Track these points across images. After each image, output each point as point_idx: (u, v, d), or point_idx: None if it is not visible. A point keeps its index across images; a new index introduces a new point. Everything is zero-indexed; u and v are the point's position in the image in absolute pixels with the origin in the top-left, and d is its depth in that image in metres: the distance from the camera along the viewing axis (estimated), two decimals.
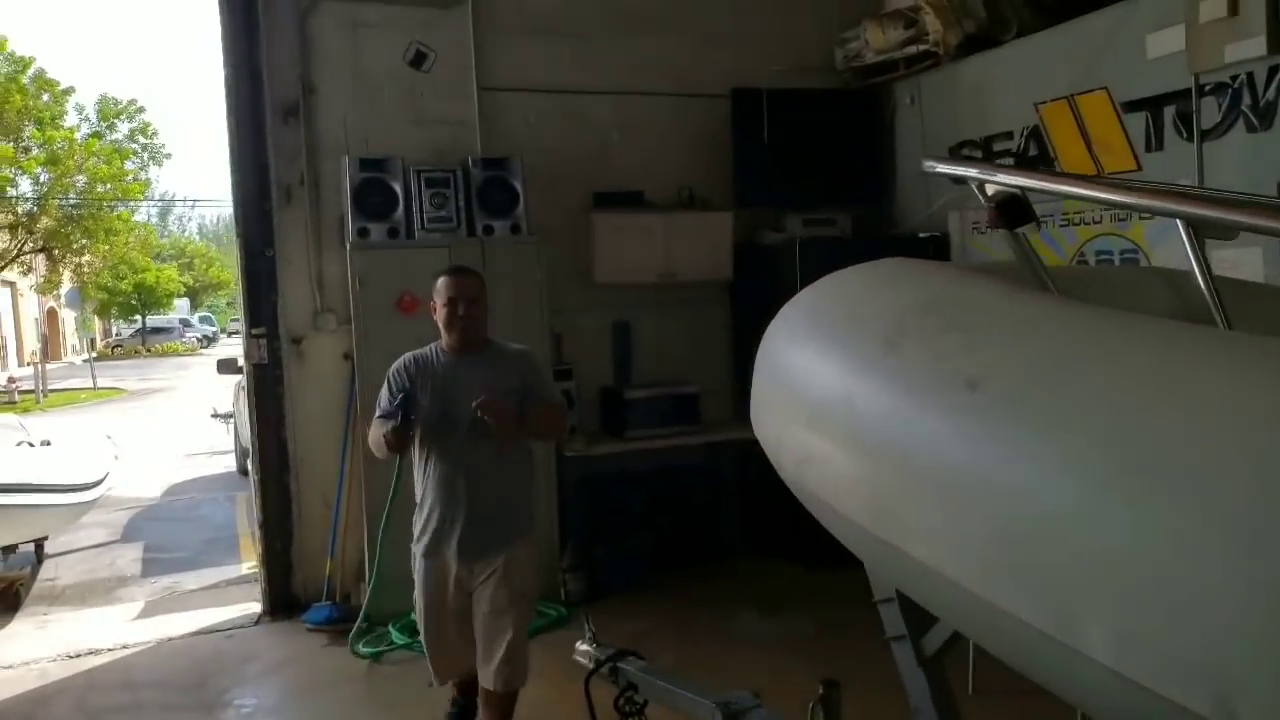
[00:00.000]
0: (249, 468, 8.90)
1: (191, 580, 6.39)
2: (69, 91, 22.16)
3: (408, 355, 3.32)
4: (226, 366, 10.16)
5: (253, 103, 5.07)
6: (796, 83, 5.76)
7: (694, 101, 5.77)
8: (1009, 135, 5.10)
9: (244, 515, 8.50)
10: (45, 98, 21.77)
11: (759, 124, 5.57)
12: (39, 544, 6.64)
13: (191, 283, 41.14)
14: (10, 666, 4.71)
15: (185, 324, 40.72)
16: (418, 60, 5.16)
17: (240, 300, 5.18)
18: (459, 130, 5.39)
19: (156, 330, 37.71)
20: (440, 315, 3.25)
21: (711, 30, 5.81)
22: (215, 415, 12.46)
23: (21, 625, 5.53)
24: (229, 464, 11.22)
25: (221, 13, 5.07)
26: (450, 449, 3.20)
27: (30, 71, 21.46)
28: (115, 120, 23.10)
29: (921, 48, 5.30)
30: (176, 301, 39.75)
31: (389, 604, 4.86)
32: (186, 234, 55.18)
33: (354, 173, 4.87)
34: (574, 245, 5.46)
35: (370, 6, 5.22)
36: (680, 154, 5.77)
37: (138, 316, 36.99)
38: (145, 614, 5.61)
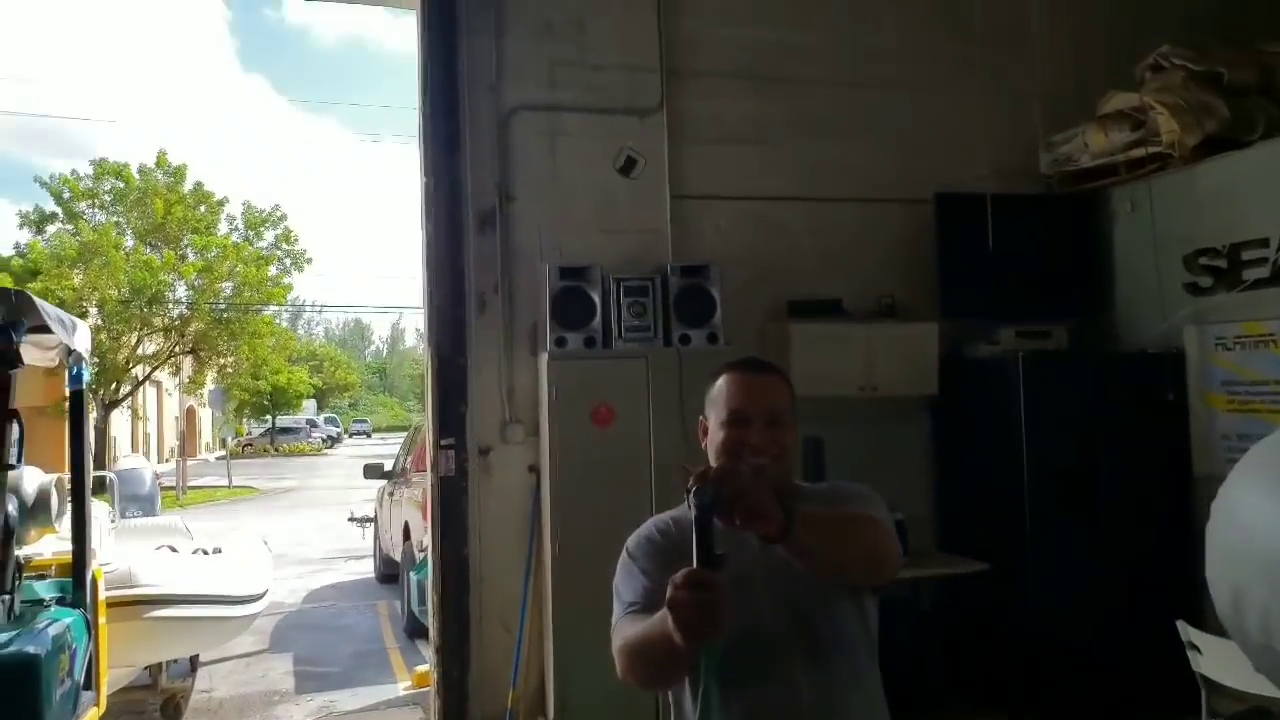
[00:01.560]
0: (398, 575, 8.87)
1: (348, 699, 6.15)
2: (223, 203, 23.59)
3: (660, 518, 1.90)
4: (373, 472, 10.16)
5: (450, 211, 5.03)
6: (997, 188, 5.42)
7: (888, 206, 5.51)
8: (1263, 242, 4.62)
9: (389, 627, 8.31)
10: (202, 209, 23.21)
11: (966, 230, 5.24)
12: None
13: (320, 384, 42.71)
14: None
15: (312, 424, 42.13)
16: (628, 166, 5.07)
17: (429, 410, 5.05)
18: (650, 238, 5.23)
19: (284, 430, 39.09)
20: (715, 442, 1.81)
21: (903, 134, 5.57)
22: (352, 519, 12.48)
23: None
24: (366, 569, 11.13)
25: (423, 121, 5.10)
26: (754, 685, 1.70)
27: (189, 183, 22.99)
28: (261, 228, 24.38)
29: (1151, 150, 4.92)
30: (305, 403, 41.24)
31: None
32: (313, 337, 57.70)
33: (553, 281, 4.73)
34: (764, 355, 5.15)
35: (568, 115, 5.18)
36: (876, 261, 5.48)
37: (268, 416, 38.44)
38: None
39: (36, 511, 3.95)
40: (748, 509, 1.49)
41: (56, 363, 3.98)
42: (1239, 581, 1.58)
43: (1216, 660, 3.46)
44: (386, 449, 26.39)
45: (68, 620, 3.57)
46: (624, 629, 1.72)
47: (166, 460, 25.69)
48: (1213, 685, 3.52)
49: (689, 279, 4.84)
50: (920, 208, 5.40)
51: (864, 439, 5.31)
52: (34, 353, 3.57)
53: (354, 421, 53.17)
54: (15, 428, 3.11)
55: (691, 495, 1.45)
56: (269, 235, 24.20)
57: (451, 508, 4.94)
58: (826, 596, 1.74)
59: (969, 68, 5.52)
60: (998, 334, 5.24)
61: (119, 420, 24.07)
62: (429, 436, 5.07)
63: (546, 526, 4.69)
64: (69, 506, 4.20)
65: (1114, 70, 5.36)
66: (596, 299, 4.76)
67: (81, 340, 3.83)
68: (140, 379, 23.32)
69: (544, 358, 4.75)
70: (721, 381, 1.84)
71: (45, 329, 3.39)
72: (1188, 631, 3.55)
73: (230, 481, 22.78)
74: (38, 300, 3.36)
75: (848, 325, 5.19)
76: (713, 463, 1.78)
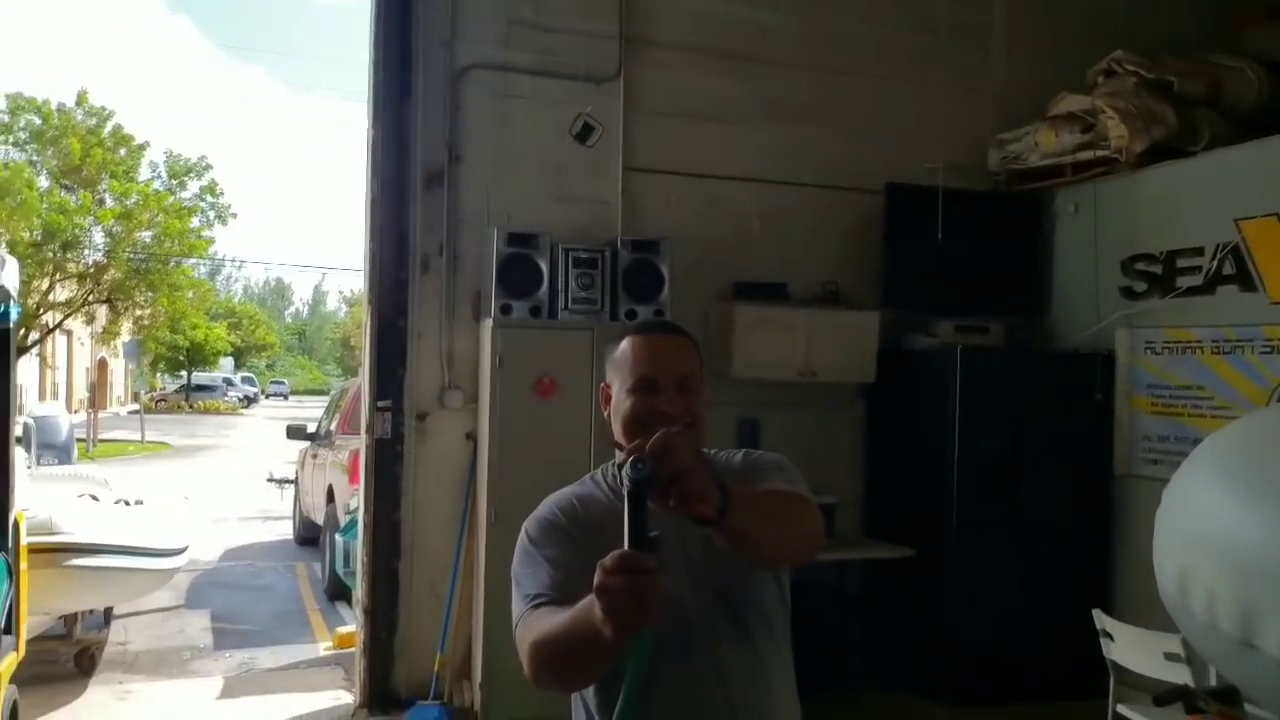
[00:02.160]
0: (319, 537, 8.68)
1: (267, 657, 6.02)
2: (144, 147, 22.59)
3: (563, 496, 1.74)
4: (296, 433, 9.93)
5: (398, 167, 4.90)
6: (946, 182, 5.49)
7: (839, 194, 5.53)
8: (1198, 251, 4.77)
9: (308, 588, 8.16)
10: (122, 152, 22.22)
11: (913, 222, 5.30)
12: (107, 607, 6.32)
13: (238, 343, 41.50)
14: None
15: (228, 383, 40.94)
16: (584, 133, 4.98)
17: (366, 371, 4.93)
18: (601, 210, 5.17)
19: (200, 388, 37.92)
20: (621, 411, 1.65)
21: (860, 124, 5.60)
22: (271, 480, 12.18)
23: (100, 694, 5.17)
24: (284, 530, 10.89)
25: (373, 72, 4.94)
26: (677, 667, 1.57)
27: (109, 125, 22.01)
28: (185, 178, 23.48)
29: (1099, 153, 5.03)
30: (222, 360, 40.05)
31: (502, 707, 4.46)
32: (232, 294, 56.04)
33: (501, 246, 4.63)
34: (708, 335, 5.16)
35: (523, 78, 5.07)
36: (823, 248, 5.51)
37: (183, 372, 37.23)
38: (228, 693, 5.24)
39: None
40: (684, 490, 1.34)
41: None
42: (1186, 564, 1.62)
43: (1126, 647, 3.60)
44: (304, 412, 25.83)
45: None
46: (534, 624, 1.50)
47: (76, 411, 24.68)
48: (1121, 671, 3.66)
49: (639, 254, 4.79)
50: (869, 197, 5.43)
51: (799, 424, 5.37)
52: None
53: (271, 382, 51.84)
54: None
55: (625, 471, 1.29)
56: (193, 186, 23.37)
57: (385, 471, 4.85)
58: (746, 572, 1.63)
59: (927, 61, 5.58)
60: (936, 327, 5.33)
61: (27, 368, 23.03)
62: (365, 397, 4.95)
63: (482, 494, 4.63)
64: None
65: (1066, 73, 5.47)
66: (544, 268, 4.68)
67: (10, 277, 3.64)
68: (51, 326, 22.33)
69: (488, 324, 4.67)
70: (626, 345, 1.68)
71: None
72: (1102, 620, 3.68)
73: (143, 436, 22.03)
74: None
75: (791, 310, 5.21)
76: (618, 433, 1.66)
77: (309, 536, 9.86)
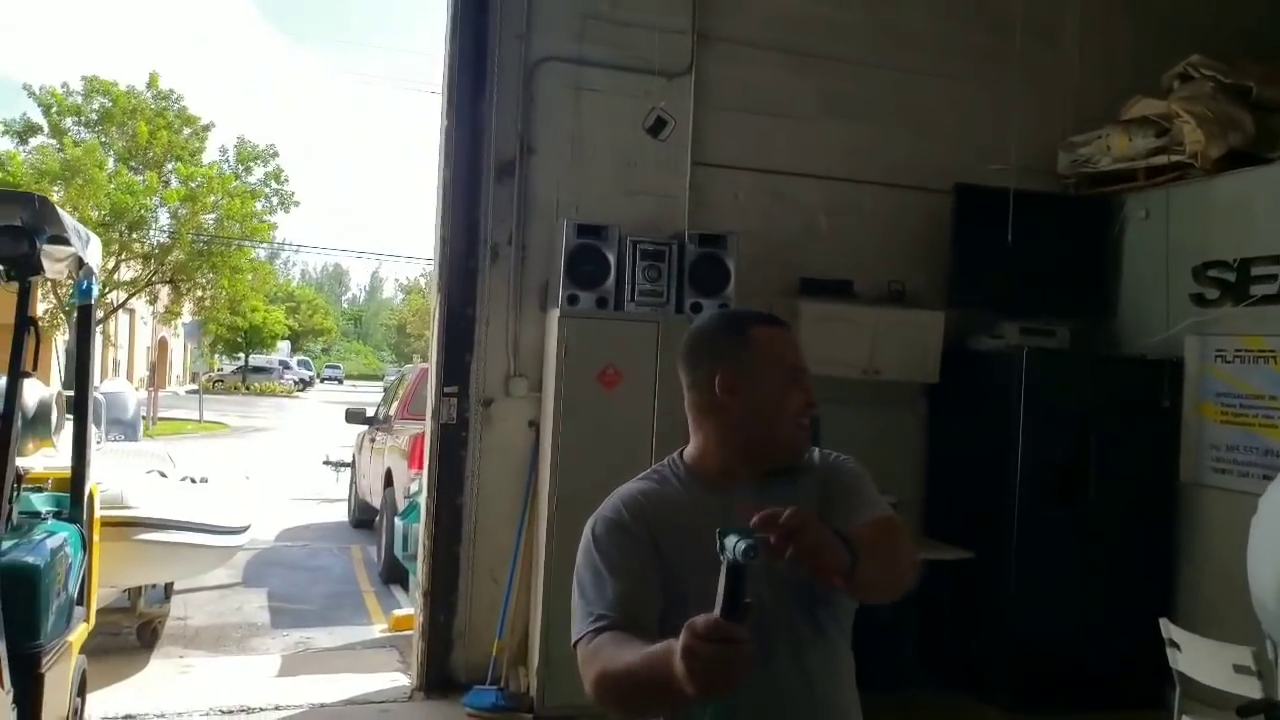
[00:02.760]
0: (374, 520, 8.84)
1: (324, 637, 6.16)
2: (209, 128, 23.09)
3: (630, 493, 1.68)
4: (355, 417, 10.11)
5: (470, 157, 4.98)
6: (1015, 184, 5.44)
7: (906, 193, 5.51)
8: (1275, 259, 4.68)
9: (363, 571, 8.32)
10: (187, 133, 22.74)
11: (981, 223, 5.26)
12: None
13: (295, 326, 42.28)
14: (163, 717, 4.48)
15: (284, 365, 41.74)
16: (657, 127, 5.02)
17: (434, 357, 5.02)
18: (667, 203, 5.21)
19: (257, 369, 38.72)
20: (784, 403, 1.63)
21: (929, 123, 5.57)
22: (328, 463, 12.43)
23: (162, 667, 5.33)
24: (339, 513, 11.11)
25: (449, 64, 5.03)
26: (761, 680, 1.44)
27: (175, 107, 22.56)
28: (251, 163, 23.98)
29: (1174, 158, 4.95)
30: (280, 343, 40.84)
31: (558, 694, 4.53)
32: (289, 278, 57.07)
33: (570, 237, 4.69)
34: None
35: (596, 71, 5.12)
36: (889, 247, 5.49)
37: (241, 354, 38.03)
38: (286, 671, 5.36)
39: (36, 424, 3.91)
40: (820, 563, 1.34)
41: (65, 275, 3.91)
42: None
43: (1193, 658, 3.55)
44: (359, 396, 26.28)
45: (64, 534, 3.54)
46: (600, 653, 1.45)
47: (135, 390, 25.42)
48: (1187, 682, 3.61)
49: (706, 248, 4.82)
50: (937, 197, 5.41)
51: (861, 422, 5.33)
52: (46, 262, 3.50)
53: (327, 366, 52.77)
54: (31, 336, 3.05)
55: (736, 548, 1.23)
56: (259, 171, 23.87)
57: (450, 456, 4.94)
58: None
59: (999, 60, 5.52)
60: (1001, 328, 5.29)
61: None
62: (432, 383, 5.05)
63: (545, 482, 4.70)
64: (66, 421, 4.14)
65: (1142, 76, 5.39)
66: (612, 259, 4.73)
67: (94, 254, 3.77)
68: (115, 305, 22.97)
69: (554, 314, 4.74)
70: (765, 334, 1.65)
71: (63, 239, 3.32)
72: (1169, 629, 3.64)
73: (201, 416, 22.57)
74: (58, 209, 3.30)
75: (857, 307, 5.21)
76: (762, 425, 1.62)
77: (364, 519, 10.05)
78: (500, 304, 5.01)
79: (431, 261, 5.18)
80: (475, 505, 4.95)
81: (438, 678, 4.86)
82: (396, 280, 70.79)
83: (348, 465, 11.30)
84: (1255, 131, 4.78)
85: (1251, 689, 3.31)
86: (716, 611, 1.22)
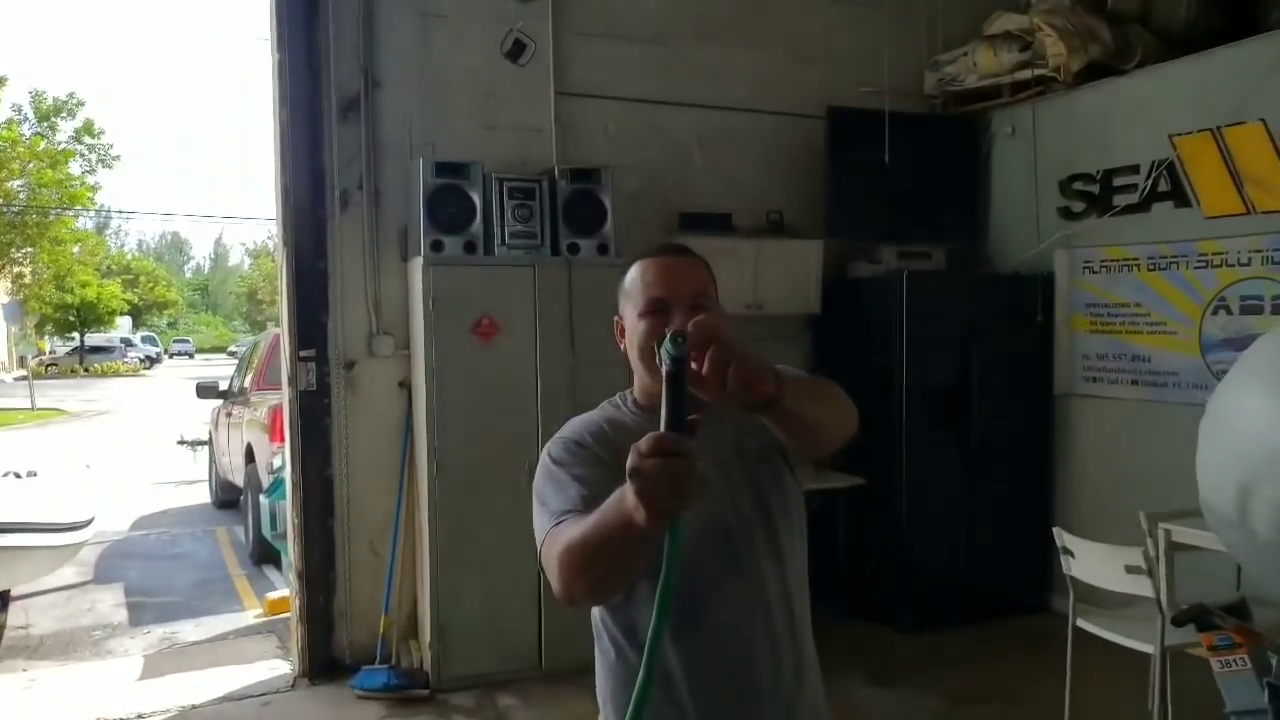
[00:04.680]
0: (239, 499, 8.28)
1: (191, 630, 5.68)
2: (1, 82, 20.64)
3: (588, 420, 1.65)
4: (206, 391, 9.41)
5: (309, 95, 4.51)
6: (883, 105, 5.36)
7: (780, 120, 5.36)
8: (1134, 169, 4.76)
9: (231, 553, 7.78)
10: None
11: (856, 148, 5.17)
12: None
13: (136, 301, 39.47)
14: None
15: (127, 343, 38.98)
16: (516, 50, 4.65)
17: (285, 319, 4.58)
18: (533, 138, 4.88)
19: (95, 349, 35.99)
20: (635, 338, 1.59)
21: (798, 45, 5.41)
22: (182, 442, 11.61)
23: (2, 685, 4.77)
24: (200, 494, 10.40)
25: None
26: (701, 590, 1.51)
27: None
28: (55, 119, 21.79)
29: (1037, 72, 4.95)
30: (119, 320, 38.07)
31: (453, 664, 4.28)
32: (124, 249, 53.29)
33: (428, 177, 4.32)
34: None
35: None
36: (765, 175, 5.34)
37: (74, 334, 35.29)
38: (150, 672, 4.89)
39: None
40: (743, 368, 1.24)
41: None
42: (1248, 479, 1.53)
43: (1086, 563, 3.60)
44: (212, 370, 24.79)
45: None
46: (562, 533, 1.40)
47: None
48: (1080, 585, 3.67)
49: (579, 184, 4.54)
50: (809, 123, 5.28)
51: None
52: None
53: (175, 341, 49.66)
54: None
55: (665, 347, 1.18)
56: (66, 128, 21.74)
57: (313, 425, 4.54)
58: (776, 473, 1.60)
59: None
60: (879, 254, 5.24)
61: None
62: (286, 348, 4.62)
63: (422, 445, 4.38)
64: None
65: None
66: (477, 200, 4.39)
67: None
68: None
69: (417, 263, 4.37)
70: (636, 270, 1.62)
71: None
72: (1062, 537, 3.68)
73: (33, 403, 20.81)
74: None
75: (738, 241, 5.05)
76: (634, 361, 1.61)
77: (228, 499, 9.44)
78: (355, 256, 4.60)
79: (274, 217, 4.71)
80: (346, 475, 4.59)
81: (322, 662, 4.52)
82: (243, 245, 67.18)
83: (204, 443, 10.56)
84: (1113, 43, 4.81)
85: (1142, 587, 3.38)
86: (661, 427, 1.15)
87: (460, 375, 4.29)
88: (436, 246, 4.32)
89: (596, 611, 1.60)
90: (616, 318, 1.65)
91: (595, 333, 4.40)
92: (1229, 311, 4.38)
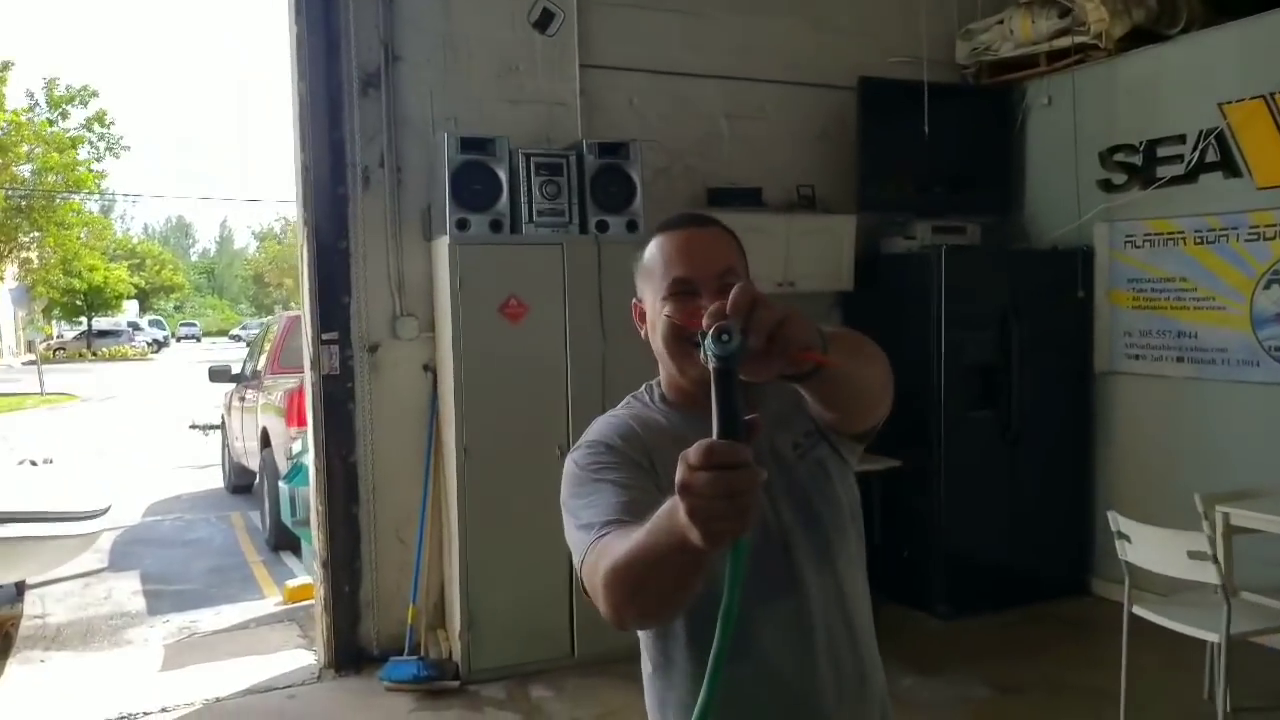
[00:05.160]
0: (253, 484, 8.18)
1: (211, 619, 5.59)
2: (7, 66, 20.53)
3: (615, 420, 1.46)
4: (219, 375, 9.30)
5: (329, 69, 4.36)
6: (917, 75, 5.20)
7: (809, 92, 5.19)
8: (1180, 139, 4.59)
9: (247, 540, 7.69)
10: None
11: (889, 120, 5.01)
12: None
13: (142, 284, 39.36)
14: None
15: (134, 327, 38.93)
16: (544, 21, 4.50)
17: (306, 301, 4.44)
18: (558, 112, 4.73)
19: (103, 333, 35.94)
20: (660, 324, 1.39)
21: (827, 14, 5.24)
22: (195, 427, 11.53)
23: (20, 676, 4.68)
24: (213, 479, 10.32)
25: None
26: (744, 615, 1.11)
27: None
28: (66, 107, 21.66)
29: (1077, 39, 4.78)
30: (126, 304, 37.99)
31: (485, 655, 4.18)
32: (129, 233, 53.20)
33: (453, 154, 4.17)
34: None
35: None
36: (795, 149, 5.19)
37: (82, 318, 35.23)
38: (171, 663, 4.80)
39: None
40: (790, 335, 1.07)
41: None
42: None
43: (1143, 548, 3.47)
44: (221, 353, 24.74)
45: None
46: (607, 549, 1.21)
47: None
48: (1136, 571, 3.55)
49: (607, 158, 4.38)
50: (840, 94, 5.13)
51: None
52: None
53: (182, 325, 49.60)
54: None
55: (708, 345, 1.01)
56: (77, 115, 21.63)
57: (336, 410, 4.42)
58: (820, 466, 1.42)
59: None
60: (913, 229, 5.08)
61: None
62: (307, 331, 4.49)
63: (450, 429, 4.26)
64: None
65: None
66: (503, 176, 4.24)
67: None
68: None
69: (442, 242, 4.24)
70: (655, 246, 1.41)
71: None
72: (1117, 521, 3.55)
73: (43, 388, 20.74)
74: None
75: (768, 217, 4.90)
76: (658, 350, 1.40)
77: (242, 484, 9.35)
78: (378, 235, 4.46)
79: (293, 195, 4.57)
80: (371, 461, 4.47)
81: (348, 652, 4.42)
82: (249, 228, 66.98)
83: (217, 427, 10.48)
84: (1157, 6, 4.64)
85: (1205, 573, 3.25)
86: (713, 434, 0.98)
87: (488, 357, 4.16)
88: (462, 225, 4.18)
89: None
90: (635, 300, 1.45)
91: (626, 313, 4.22)
92: None
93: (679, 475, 0.97)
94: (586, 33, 4.75)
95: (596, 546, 1.23)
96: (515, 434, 4.18)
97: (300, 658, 4.70)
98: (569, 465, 1.39)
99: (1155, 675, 3.60)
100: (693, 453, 0.96)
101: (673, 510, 1.01)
